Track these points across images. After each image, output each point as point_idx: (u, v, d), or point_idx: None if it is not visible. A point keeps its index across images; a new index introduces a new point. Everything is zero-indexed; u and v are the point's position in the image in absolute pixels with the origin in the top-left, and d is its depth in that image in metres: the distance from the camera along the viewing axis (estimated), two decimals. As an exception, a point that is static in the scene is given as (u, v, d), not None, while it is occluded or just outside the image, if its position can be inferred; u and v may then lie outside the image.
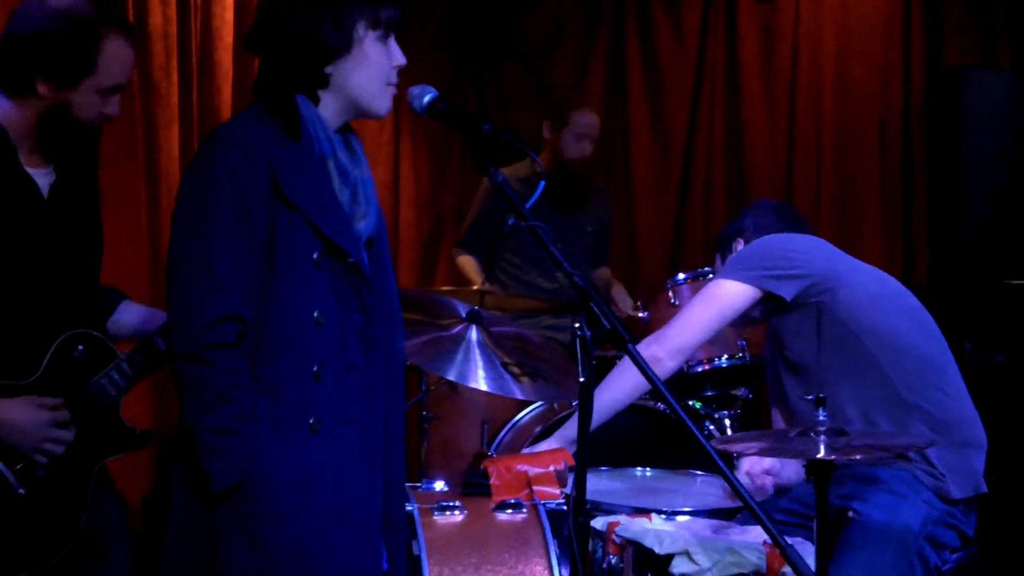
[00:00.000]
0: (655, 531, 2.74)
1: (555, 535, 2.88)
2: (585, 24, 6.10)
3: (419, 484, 3.17)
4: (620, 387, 3.15)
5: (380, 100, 2.43)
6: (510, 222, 4.38)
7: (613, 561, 2.76)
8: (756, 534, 2.79)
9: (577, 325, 2.21)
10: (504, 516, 2.97)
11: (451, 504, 2.97)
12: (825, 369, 3.03)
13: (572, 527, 2.31)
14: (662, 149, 6.08)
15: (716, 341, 3.79)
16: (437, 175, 5.98)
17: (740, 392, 4.38)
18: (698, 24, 6.03)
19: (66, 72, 2.65)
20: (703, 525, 2.90)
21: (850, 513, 2.96)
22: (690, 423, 2.19)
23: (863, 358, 3.09)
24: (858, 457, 2.69)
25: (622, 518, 2.84)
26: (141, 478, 4.53)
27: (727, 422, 4.35)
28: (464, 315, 3.58)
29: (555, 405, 4.08)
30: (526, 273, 5.08)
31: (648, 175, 6.07)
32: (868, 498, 2.99)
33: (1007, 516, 4.26)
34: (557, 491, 3.02)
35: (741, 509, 3.04)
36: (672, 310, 4.04)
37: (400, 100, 2.47)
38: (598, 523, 2.82)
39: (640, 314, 4.59)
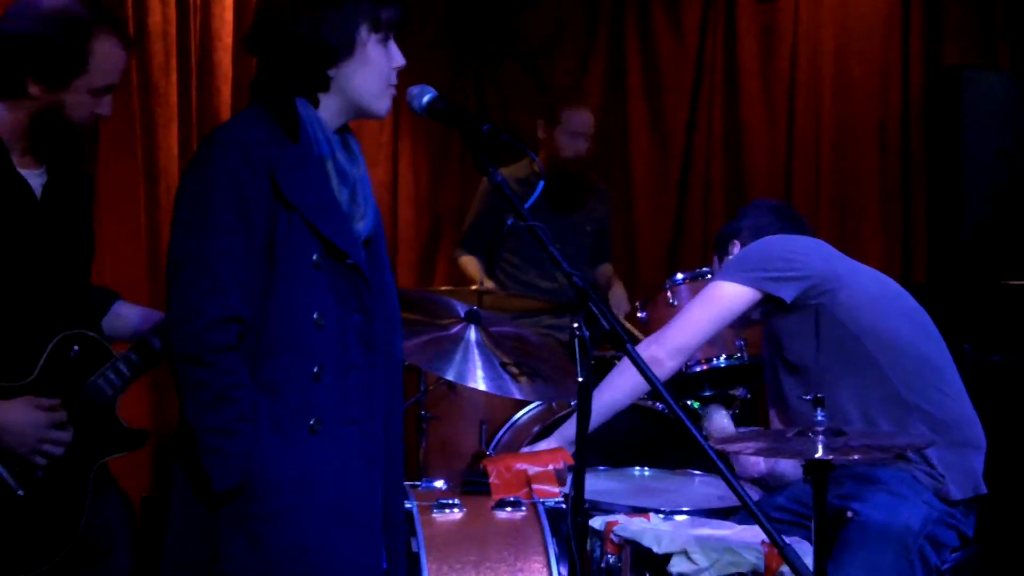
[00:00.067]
0: (653, 530, 2.74)
1: (554, 534, 2.88)
2: (585, 24, 6.09)
3: (418, 483, 3.17)
4: (620, 387, 3.15)
5: (380, 101, 2.43)
6: (509, 222, 4.37)
7: (611, 560, 2.76)
8: (754, 533, 2.80)
9: (576, 325, 2.21)
10: (503, 514, 2.97)
11: (450, 502, 2.97)
12: (824, 370, 3.03)
13: (571, 526, 2.30)
14: (661, 149, 6.07)
15: (714, 341, 3.78)
16: (436, 175, 5.97)
17: (738, 392, 4.37)
18: (697, 24, 6.02)
19: (57, 73, 2.64)
20: (701, 524, 2.90)
21: (849, 513, 2.96)
22: (688, 423, 2.19)
23: (863, 359, 3.09)
24: (856, 457, 2.69)
25: (620, 517, 2.84)
26: (140, 478, 4.52)
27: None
28: (463, 315, 3.58)
29: (554, 405, 4.07)
30: (525, 273, 5.07)
31: (647, 175, 6.06)
32: (867, 498, 2.99)
33: (1007, 516, 4.26)
34: (556, 490, 3.02)
35: (739, 508, 3.05)
36: (671, 310, 4.03)
37: (399, 100, 2.47)
38: (596, 522, 2.82)
39: (637, 314, 4.58)
